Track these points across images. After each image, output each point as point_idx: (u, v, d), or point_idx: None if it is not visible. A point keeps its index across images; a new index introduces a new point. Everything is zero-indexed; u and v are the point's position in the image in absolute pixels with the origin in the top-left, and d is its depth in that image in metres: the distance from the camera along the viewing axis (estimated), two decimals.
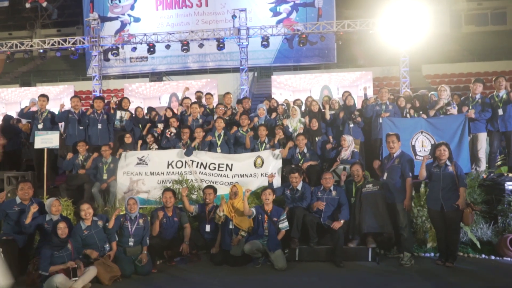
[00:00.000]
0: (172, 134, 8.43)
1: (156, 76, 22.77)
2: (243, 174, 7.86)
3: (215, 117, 8.64)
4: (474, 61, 21.82)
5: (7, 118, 10.33)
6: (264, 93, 18.53)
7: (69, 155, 8.04)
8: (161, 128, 8.84)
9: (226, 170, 7.95)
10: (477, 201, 6.66)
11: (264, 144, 8.04)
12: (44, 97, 8.68)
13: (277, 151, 7.82)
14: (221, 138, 8.20)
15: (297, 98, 10.18)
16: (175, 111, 9.86)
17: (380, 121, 8.07)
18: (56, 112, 8.74)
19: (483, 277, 5.40)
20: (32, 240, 6.00)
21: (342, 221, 6.17)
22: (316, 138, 8.26)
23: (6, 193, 7.06)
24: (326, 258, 6.12)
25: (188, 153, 7.95)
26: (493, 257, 6.15)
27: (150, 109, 10.04)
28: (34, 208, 5.68)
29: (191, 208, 6.74)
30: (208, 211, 6.69)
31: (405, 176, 5.99)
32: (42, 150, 7.71)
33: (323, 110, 8.83)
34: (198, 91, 10.64)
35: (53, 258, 5.17)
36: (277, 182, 7.43)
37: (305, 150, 7.76)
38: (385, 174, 6.19)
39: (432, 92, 9.10)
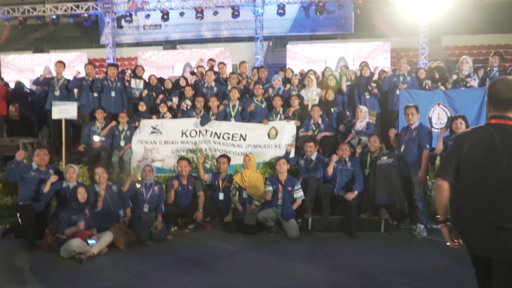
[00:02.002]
0: (189, 106, 8.39)
1: (169, 45, 22.58)
2: (257, 145, 7.86)
3: (229, 87, 8.57)
4: (496, 32, 21.14)
5: (19, 84, 10.35)
6: (279, 63, 18.28)
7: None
8: (176, 102, 8.76)
9: (240, 140, 7.94)
10: None
11: (279, 115, 7.98)
12: (61, 63, 8.69)
13: (292, 122, 7.77)
14: (236, 108, 8.15)
15: (311, 69, 9.98)
16: (189, 80, 9.80)
17: (397, 92, 7.92)
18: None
19: None
20: (48, 205, 6.09)
21: (356, 192, 6.16)
22: (332, 109, 8.16)
23: (22, 158, 7.14)
24: (339, 228, 6.14)
25: (203, 123, 7.94)
26: None
27: (162, 79, 9.93)
28: (54, 178, 5.73)
29: (205, 177, 6.78)
30: (221, 180, 6.72)
31: (422, 148, 5.90)
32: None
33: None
34: (210, 59, 10.50)
35: (70, 222, 5.27)
36: (291, 152, 7.42)
37: (320, 121, 7.70)
38: (402, 147, 6.09)
39: (456, 71, 8.87)
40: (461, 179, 2.50)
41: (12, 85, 10.74)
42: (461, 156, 2.48)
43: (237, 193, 6.49)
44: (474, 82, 7.82)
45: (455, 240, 2.58)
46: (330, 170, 6.41)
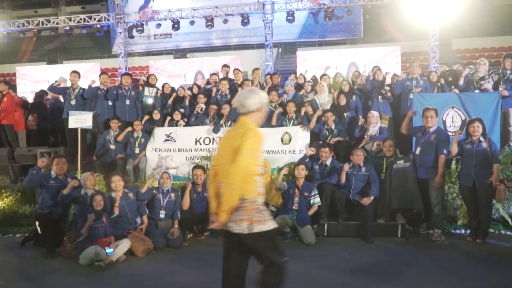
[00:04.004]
0: (202, 109, 8.46)
1: (180, 53, 22.71)
2: (271, 151, 7.86)
3: None
4: (506, 34, 20.93)
5: (39, 94, 10.46)
6: (289, 69, 18.31)
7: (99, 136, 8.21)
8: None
9: None
10: (510, 177, 6.52)
11: (292, 120, 8.00)
12: (76, 73, 8.84)
13: (305, 128, 7.78)
14: None
15: (324, 73, 10.01)
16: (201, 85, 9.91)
17: (411, 96, 7.90)
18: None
19: None
20: (66, 213, 6.18)
21: (371, 197, 6.14)
22: (345, 114, 8.17)
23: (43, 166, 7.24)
24: (355, 234, 6.12)
25: (216, 130, 7.98)
26: None
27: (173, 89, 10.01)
28: (75, 183, 5.89)
29: None
30: None
31: (439, 153, 5.87)
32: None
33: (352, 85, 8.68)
34: (225, 65, 10.56)
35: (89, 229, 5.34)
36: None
37: (333, 127, 7.70)
38: (418, 149, 6.05)
39: (470, 66, 8.84)
40: None
41: (28, 96, 10.92)
42: None
43: None
44: (488, 85, 7.77)
45: None
46: (342, 178, 6.42)
